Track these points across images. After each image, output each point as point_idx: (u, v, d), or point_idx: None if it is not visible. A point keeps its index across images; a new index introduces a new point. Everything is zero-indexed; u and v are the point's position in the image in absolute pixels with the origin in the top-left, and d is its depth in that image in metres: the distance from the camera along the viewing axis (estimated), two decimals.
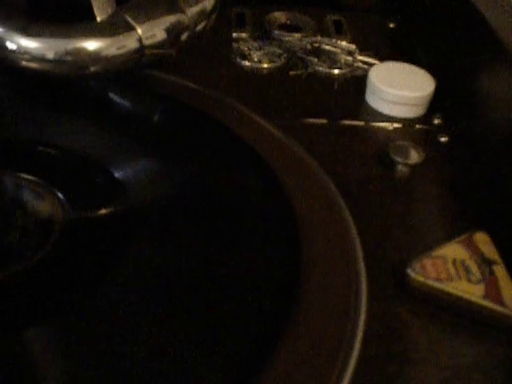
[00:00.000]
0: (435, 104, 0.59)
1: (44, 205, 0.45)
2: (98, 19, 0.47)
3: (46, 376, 0.35)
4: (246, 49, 0.67)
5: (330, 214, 0.44)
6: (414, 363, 0.39)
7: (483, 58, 0.56)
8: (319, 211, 0.44)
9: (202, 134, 0.50)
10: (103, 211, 0.46)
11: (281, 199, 0.44)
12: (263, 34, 0.69)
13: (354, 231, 0.43)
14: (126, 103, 0.54)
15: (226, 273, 0.41)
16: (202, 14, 0.47)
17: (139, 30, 0.45)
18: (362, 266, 0.41)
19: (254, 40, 0.68)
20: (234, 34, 0.69)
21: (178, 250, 0.42)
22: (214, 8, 0.48)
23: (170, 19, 0.46)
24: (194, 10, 0.47)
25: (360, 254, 0.42)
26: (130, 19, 0.45)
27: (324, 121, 0.57)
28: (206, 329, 0.37)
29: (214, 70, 0.64)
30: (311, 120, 0.57)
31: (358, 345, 0.36)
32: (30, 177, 0.46)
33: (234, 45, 0.67)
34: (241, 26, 0.71)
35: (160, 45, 0.48)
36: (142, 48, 0.47)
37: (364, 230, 0.44)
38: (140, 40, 0.46)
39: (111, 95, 0.54)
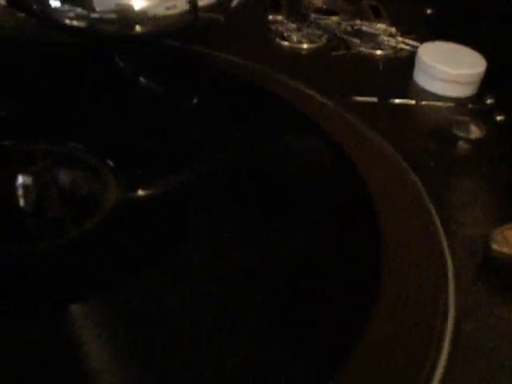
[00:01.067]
0: (485, 84, 0.57)
1: (96, 182, 0.42)
2: None
3: (89, 350, 0.32)
4: (283, 30, 0.64)
5: (404, 187, 0.42)
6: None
7: None
8: (393, 186, 0.42)
9: (259, 108, 0.48)
10: (156, 190, 0.44)
11: (354, 176, 0.42)
12: (300, 17, 0.67)
13: (430, 206, 0.41)
14: (178, 76, 0.52)
15: (295, 255, 0.38)
16: None
17: None
18: (444, 243, 0.39)
19: (292, 22, 0.66)
20: (270, 17, 0.67)
21: (239, 234, 0.40)
22: None
23: None
24: None
25: (440, 229, 0.40)
26: None
27: (374, 99, 0.55)
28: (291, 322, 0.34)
29: (252, 51, 0.61)
30: (361, 98, 0.55)
31: (450, 324, 0.34)
32: (83, 153, 0.43)
33: (272, 26, 0.65)
34: (276, 10, 0.68)
35: (212, 8, 0.46)
36: (193, 8, 0.44)
37: (435, 206, 0.41)
38: (191, 1, 0.44)
39: (164, 69, 0.51)
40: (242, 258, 0.38)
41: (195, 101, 0.50)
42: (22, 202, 0.37)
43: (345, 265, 0.37)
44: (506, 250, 0.39)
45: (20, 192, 0.37)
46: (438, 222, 0.39)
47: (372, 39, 0.64)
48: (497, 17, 0.62)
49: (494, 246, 0.39)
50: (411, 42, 0.63)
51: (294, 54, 0.62)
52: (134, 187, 0.43)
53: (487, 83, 0.57)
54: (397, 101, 0.55)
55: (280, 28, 0.65)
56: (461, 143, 0.49)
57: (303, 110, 0.46)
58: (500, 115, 0.54)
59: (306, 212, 0.41)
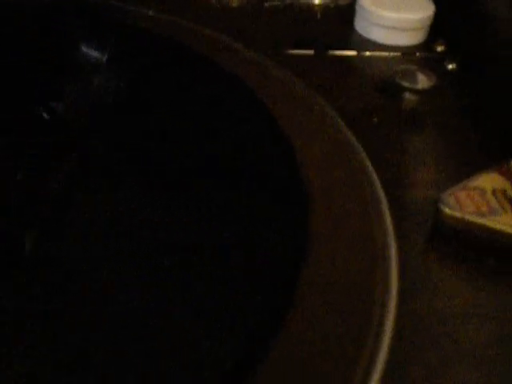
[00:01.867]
0: (436, 30, 0.51)
1: None
2: None
3: None
4: None
5: (339, 151, 0.36)
6: (458, 317, 0.30)
7: None
8: (323, 147, 0.36)
9: (188, 69, 0.41)
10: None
11: (283, 143, 0.35)
12: None
13: (371, 170, 0.35)
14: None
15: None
16: None
17: None
18: (386, 209, 0.33)
19: None
20: None
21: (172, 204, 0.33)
22: None
23: None
24: None
25: (382, 195, 0.34)
26: None
27: (310, 52, 0.49)
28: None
29: (176, 5, 0.54)
30: (295, 51, 0.49)
31: (393, 302, 0.28)
32: None
33: None
34: None
35: None
36: None
37: (378, 168, 0.35)
38: None
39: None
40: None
41: (105, 58, 0.44)
42: None
43: (270, 240, 0.31)
44: (458, 214, 0.33)
45: None
46: (378, 185, 0.33)
47: None
48: None
49: (446, 210, 0.34)
50: None
51: (224, 7, 0.55)
52: None
53: (437, 29, 0.51)
54: (336, 52, 0.49)
55: None
56: (407, 95, 0.43)
57: (220, 62, 0.39)
58: (451, 63, 0.48)
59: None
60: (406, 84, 0.43)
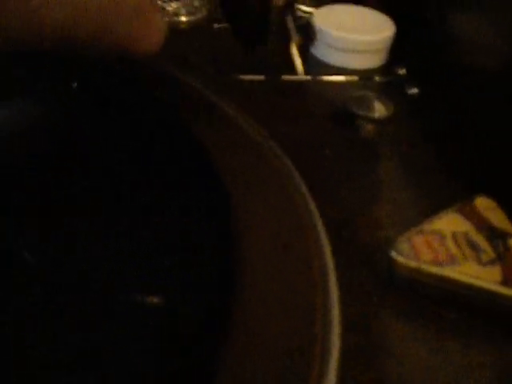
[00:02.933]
0: (396, 53, 0.48)
1: None
2: None
3: None
4: (159, 1, 0.54)
5: (277, 188, 0.32)
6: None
7: None
8: (262, 184, 0.32)
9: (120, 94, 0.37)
10: None
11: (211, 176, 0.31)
12: None
13: (313, 208, 0.31)
14: None
15: None
16: None
17: None
18: (328, 254, 0.29)
19: None
20: None
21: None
22: None
23: None
24: None
25: (324, 237, 0.29)
26: None
27: (261, 77, 0.45)
28: None
29: None
30: (245, 77, 0.45)
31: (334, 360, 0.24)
32: None
33: None
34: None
35: None
36: None
37: (327, 207, 0.31)
38: None
39: None
40: None
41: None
42: None
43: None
44: (413, 263, 0.29)
45: None
46: (320, 227, 0.29)
47: None
48: None
49: (399, 259, 0.30)
50: (308, 8, 0.53)
51: (172, 29, 0.52)
52: None
53: (397, 52, 0.48)
54: (289, 77, 0.45)
55: None
56: (363, 124, 0.39)
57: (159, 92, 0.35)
58: (412, 88, 0.44)
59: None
60: (361, 112, 0.39)
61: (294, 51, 0.49)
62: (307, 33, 0.49)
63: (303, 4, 0.54)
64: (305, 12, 0.54)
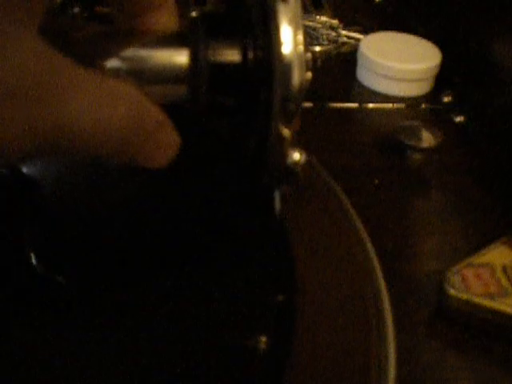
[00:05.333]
0: (442, 80, 0.48)
1: None
2: None
3: None
4: None
5: (331, 221, 0.33)
6: None
7: (497, 23, 0.46)
8: (316, 220, 0.33)
9: None
10: None
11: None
12: None
13: (367, 241, 0.32)
14: None
15: None
16: None
17: None
18: (382, 284, 0.30)
19: None
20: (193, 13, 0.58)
21: None
22: None
23: None
24: None
25: (378, 270, 0.30)
26: None
27: (309, 104, 0.46)
28: None
29: None
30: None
31: None
32: None
33: None
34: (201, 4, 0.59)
35: None
36: None
37: (377, 238, 0.32)
38: None
39: None
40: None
41: None
42: None
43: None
44: (464, 295, 0.30)
45: None
46: (374, 257, 0.30)
47: (310, 34, 0.55)
48: (453, 2, 0.54)
49: (451, 291, 0.30)
50: (356, 34, 0.55)
51: None
52: None
53: (443, 78, 0.48)
54: (336, 104, 0.46)
55: None
56: (411, 153, 0.40)
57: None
58: (459, 116, 0.45)
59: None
60: (409, 142, 0.40)
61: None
62: (354, 60, 0.50)
63: (349, 30, 0.56)
64: (349, 38, 0.55)
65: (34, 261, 0.31)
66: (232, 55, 0.27)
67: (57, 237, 0.32)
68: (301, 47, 0.26)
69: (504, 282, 0.31)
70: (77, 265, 0.31)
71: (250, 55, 0.27)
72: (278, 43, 0.26)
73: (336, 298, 0.29)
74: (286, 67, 0.26)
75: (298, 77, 0.26)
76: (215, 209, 0.33)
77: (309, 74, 0.26)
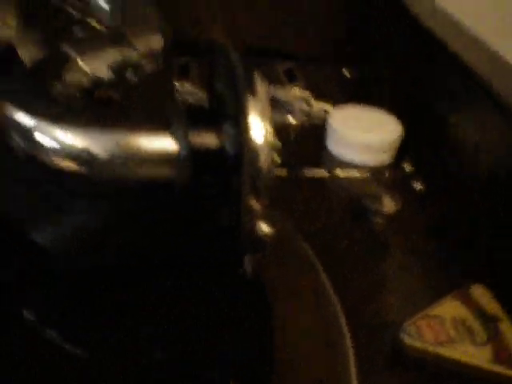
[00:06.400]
0: (403, 150, 0.54)
1: None
2: None
3: None
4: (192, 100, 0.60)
5: (303, 277, 0.37)
6: None
7: (456, 99, 0.51)
8: (290, 276, 0.37)
9: None
10: None
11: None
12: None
13: (332, 296, 0.36)
14: None
15: None
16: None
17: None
18: (347, 335, 0.34)
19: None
20: (177, 84, 0.63)
21: None
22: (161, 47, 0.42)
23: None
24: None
25: (343, 321, 0.35)
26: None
27: (283, 171, 0.51)
28: None
29: None
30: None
31: None
32: None
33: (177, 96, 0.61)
34: (184, 76, 0.65)
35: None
36: None
37: (341, 291, 0.37)
38: None
39: None
40: None
41: None
42: None
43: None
44: (418, 343, 0.35)
45: None
46: (339, 310, 0.35)
47: (283, 105, 0.60)
48: (414, 78, 0.59)
49: (406, 339, 0.35)
50: (327, 106, 0.60)
51: None
52: None
53: (405, 149, 0.54)
54: (308, 172, 0.51)
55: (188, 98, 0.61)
56: (374, 218, 0.45)
57: None
58: (419, 184, 0.50)
59: None
60: (373, 207, 0.45)
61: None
62: (323, 130, 0.55)
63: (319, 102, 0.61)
64: (320, 109, 0.60)
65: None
66: (211, 143, 0.32)
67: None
68: (268, 135, 0.31)
69: (452, 332, 0.35)
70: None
71: (227, 142, 0.32)
72: (247, 132, 0.31)
73: (306, 342, 0.33)
74: (253, 153, 0.31)
75: (265, 160, 0.31)
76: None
77: (276, 158, 0.31)
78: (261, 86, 0.32)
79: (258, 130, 0.30)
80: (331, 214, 0.47)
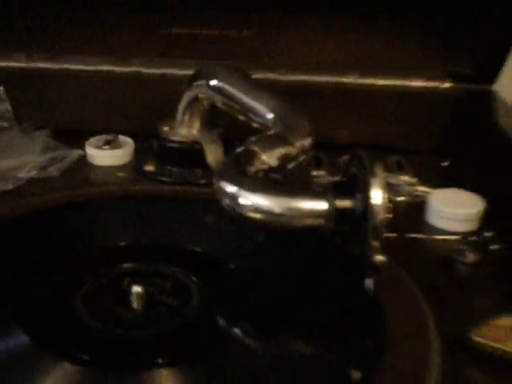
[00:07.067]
0: (487, 221, 0.72)
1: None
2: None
3: None
4: None
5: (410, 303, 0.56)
6: None
7: None
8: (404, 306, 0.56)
9: None
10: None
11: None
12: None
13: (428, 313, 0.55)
14: None
15: None
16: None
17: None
18: (435, 337, 0.52)
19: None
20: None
21: None
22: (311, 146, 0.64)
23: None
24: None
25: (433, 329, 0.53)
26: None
27: (395, 234, 0.70)
28: None
29: None
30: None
31: None
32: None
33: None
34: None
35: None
36: None
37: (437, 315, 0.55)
38: None
39: None
40: None
41: None
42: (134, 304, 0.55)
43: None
44: (482, 340, 0.52)
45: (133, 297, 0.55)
46: (432, 324, 0.53)
47: (395, 188, 0.80)
48: (500, 167, 0.78)
49: (477, 338, 0.52)
50: (427, 189, 0.79)
51: None
52: None
53: (488, 220, 0.72)
54: (412, 235, 0.70)
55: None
56: (459, 265, 0.63)
57: None
58: (494, 245, 0.68)
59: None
60: (458, 258, 0.63)
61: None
62: (424, 206, 0.74)
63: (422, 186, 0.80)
64: (422, 191, 0.79)
65: None
66: (348, 204, 0.52)
67: None
68: (384, 201, 0.51)
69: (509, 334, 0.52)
70: None
71: (358, 204, 0.52)
72: (371, 199, 0.51)
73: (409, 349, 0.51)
74: (374, 211, 0.51)
75: (381, 216, 0.51)
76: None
77: (388, 215, 0.51)
78: (380, 171, 0.52)
79: (378, 197, 0.51)
80: (429, 264, 0.65)
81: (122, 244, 0.66)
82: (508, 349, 0.51)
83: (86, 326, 0.53)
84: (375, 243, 0.51)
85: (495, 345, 0.52)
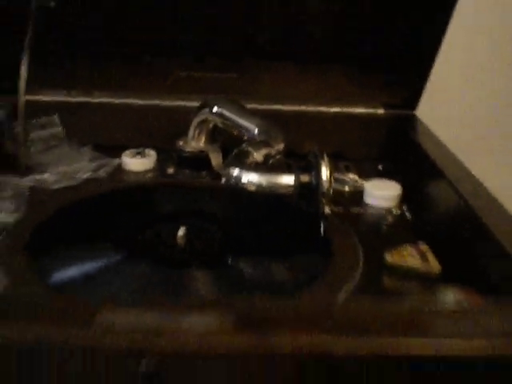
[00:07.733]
0: (402, 199, 1.06)
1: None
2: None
3: None
4: None
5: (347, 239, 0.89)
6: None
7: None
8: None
9: None
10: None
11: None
12: None
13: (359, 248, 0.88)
14: None
15: None
16: None
17: None
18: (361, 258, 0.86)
19: None
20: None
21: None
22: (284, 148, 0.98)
23: None
24: None
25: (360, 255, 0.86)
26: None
27: (342, 209, 1.04)
28: None
29: None
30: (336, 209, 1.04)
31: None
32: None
33: None
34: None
35: None
36: None
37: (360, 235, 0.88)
38: None
39: None
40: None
41: None
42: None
43: None
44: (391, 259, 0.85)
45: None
46: (360, 252, 0.86)
47: (343, 182, 1.14)
48: (414, 167, 1.12)
49: (389, 259, 0.85)
50: (364, 181, 1.13)
51: None
52: None
53: (403, 199, 1.05)
54: (352, 209, 1.04)
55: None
56: (383, 226, 0.97)
57: None
58: (408, 214, 1.02)
59: None
60: (383, 222, 0.97)
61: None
62: (362, 192, 1.08)
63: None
64: (360, 183, 1.13)
65: None
66: (307, 178, 0.87)
67: None
68: (329, 177, 0.85)
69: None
70: None
71: (313, 178, 0.87)
72: (321, 174, 0.85)
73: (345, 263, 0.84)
74: (323, 182, 0.85)
75: (327, 185, 0.85)
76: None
77: (331, 185, 0.86)
78: (326, 158, 0.86)
79: (325, 173, 0.85)
80: (364, 225, 0.99)
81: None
82: (410, 265, 0.85)
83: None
84: (324, 202, 0.85)
85: (402, 263, 0.85)
